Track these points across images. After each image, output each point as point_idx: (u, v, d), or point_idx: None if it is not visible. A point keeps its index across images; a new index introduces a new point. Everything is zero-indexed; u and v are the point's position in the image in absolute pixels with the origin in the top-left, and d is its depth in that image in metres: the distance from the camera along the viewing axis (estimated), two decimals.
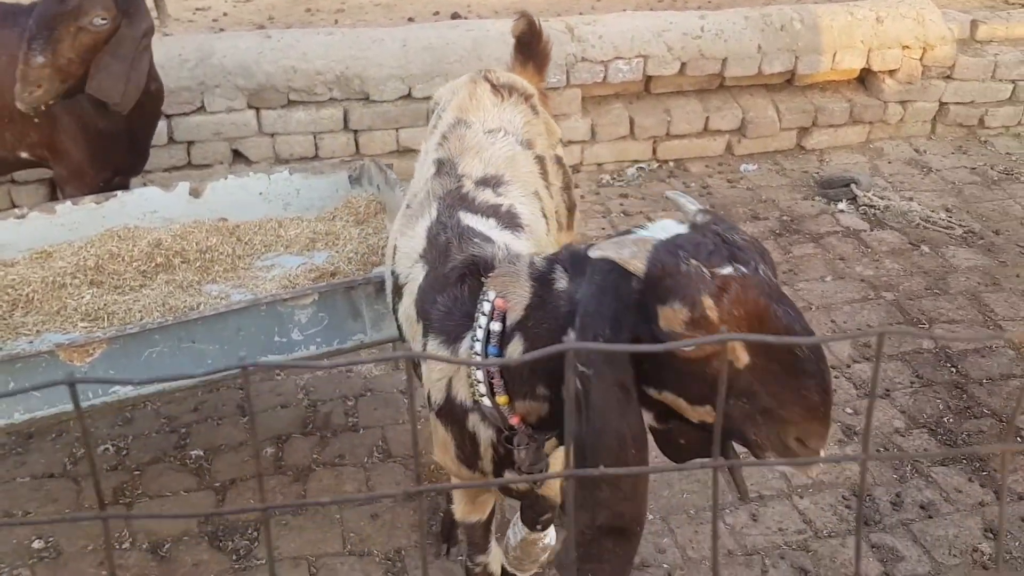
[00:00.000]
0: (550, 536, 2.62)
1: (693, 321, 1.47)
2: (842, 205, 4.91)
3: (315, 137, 5.03)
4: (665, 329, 1.51)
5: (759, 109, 5.44)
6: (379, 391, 3.73)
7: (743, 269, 1.49)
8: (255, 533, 3.09)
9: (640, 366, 1.60)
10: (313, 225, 3.53)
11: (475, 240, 2.07)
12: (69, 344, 2.51)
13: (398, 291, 2.24)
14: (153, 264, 3.28)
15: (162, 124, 4.86)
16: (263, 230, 3.49)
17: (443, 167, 2.35)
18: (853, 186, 4.94)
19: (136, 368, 2.65)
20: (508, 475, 2.03)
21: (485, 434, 1.99)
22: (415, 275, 2.12)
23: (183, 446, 3.45)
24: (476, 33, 5.06)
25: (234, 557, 3.00)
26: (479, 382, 1.87)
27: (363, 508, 3.17)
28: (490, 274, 1.90)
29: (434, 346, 1.99)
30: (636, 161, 5.46)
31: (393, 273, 2.30)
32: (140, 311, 2.90)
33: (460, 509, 2.42)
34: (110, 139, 3.71)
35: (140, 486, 3.28)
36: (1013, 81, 5.58)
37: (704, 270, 1.48)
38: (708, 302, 1.46)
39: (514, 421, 1.88)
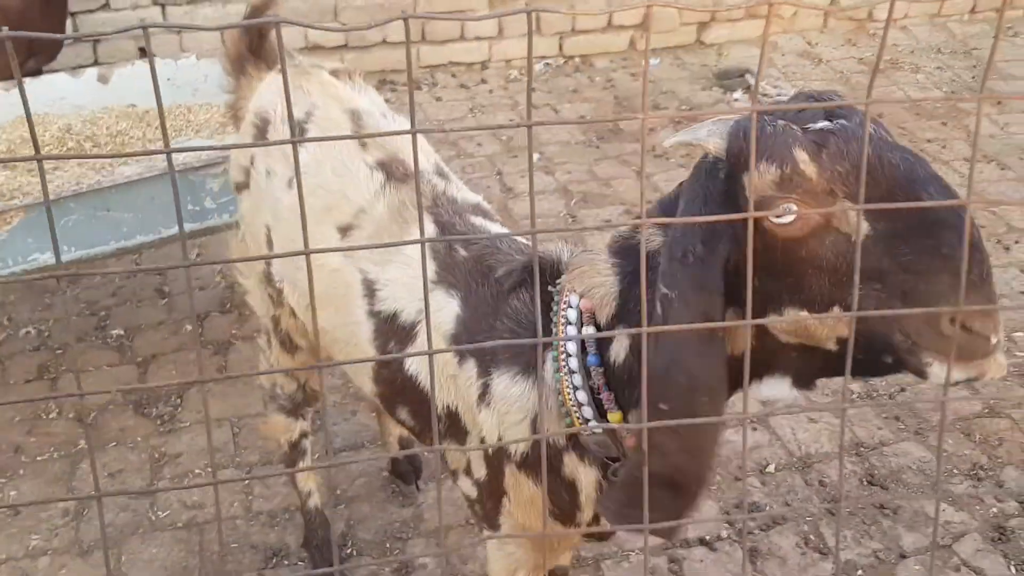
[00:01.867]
0: None
1: (785, 180, 1.20)
2: (737, 94, 5.14)
3: (222, 34, 5.04)
4: (755, 201, 1.21)
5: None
6: None
7: (843, 122, 1.22)
8: (178, 400, 3.24)
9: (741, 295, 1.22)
10: (221, 110, 3.61)
11: (503, 244, 1.77)
12: None
13: (401, 336, 1.81)
14: (65, 148, 3.35)
15: (67, 22, 4.83)
16: (172, 115, 3.57)
17: (392, 170, 1.98)
18: (747, 76, 5.17)
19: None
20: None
21: (587, 477, 1.61)
22: (440, 307, 1.73)
23: (103, 327, 3.57)
24: None
25: (158, 422, 3.16)
26: (582, 404, 1.50)
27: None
28: (563, 276, 1.56)
29: (506, 385, 1.63)
30: (543, 57, 5.60)
31: (378, 314, 1.86)
32: (55, 190, 2.99)
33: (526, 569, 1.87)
34: (23, 16, 3.72)
35: (64, 363, 3.40)
36: None
37: (794, 127, 1.23)
38: (802, 155, 1.20)
39: (630, 444, 1.48)
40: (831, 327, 1.25)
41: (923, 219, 1.17)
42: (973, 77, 5.43)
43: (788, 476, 2.99)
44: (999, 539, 2.79)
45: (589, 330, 1.49)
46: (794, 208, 1.20)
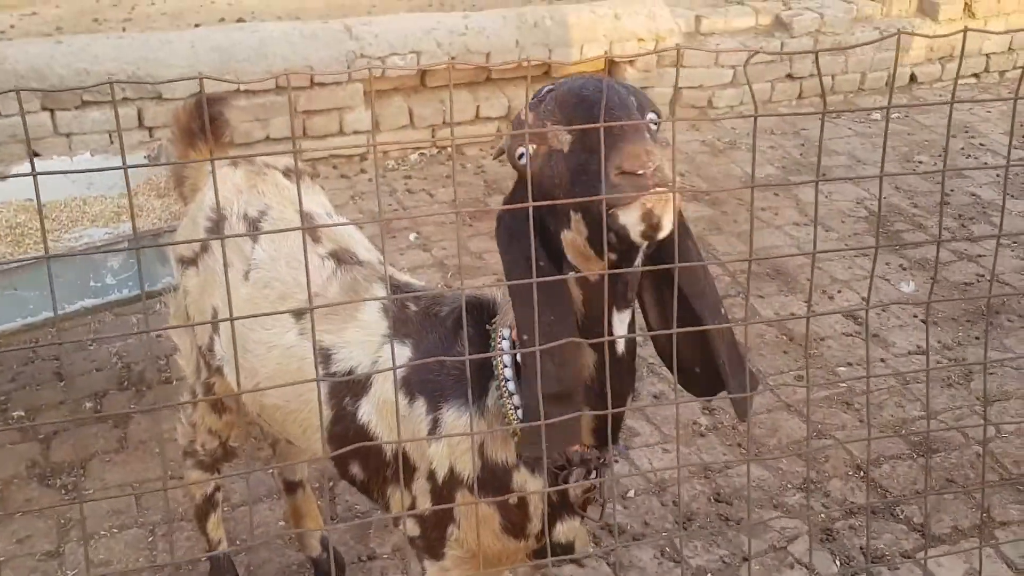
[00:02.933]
0: None
1: (520, 135, 1.53)
2: None
3: (110, 136, 5.33)
4: (518, 159, 1.55)
5: (522, 97, 6.14)
6: None
7: (565, 83, 1.54)
8: (81, 471, 3.43)
9: (548, 235, 1.61)
10: (116, 200, 3.89)
11: (444, 298, 2.04)
12: None
13: (356, 388, 2.03)
14: None
15: None
16: (69, 207, 3.83)
17: (343, 257, 2.24)
18: None
19: None
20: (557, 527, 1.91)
21: (535, 487, 1.83)
22: (394, 354, 1.85)
23: (4, 409, 3.73)
24: (261, 34, 5.51)
25: (63, 492, 3.34)
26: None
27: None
28: (497, 315, 1.84)
29: (455, 416, 1.85)
30: (418, 147, 6.04)
31: (334, 375, 2.06)
32: None
33: None
34: None
35: None
36: (732, 67, 6.54)
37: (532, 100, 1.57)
38: (526, 113, 1.55)
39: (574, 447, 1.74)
40: (581, 232, 1.54)
41: (580, 101, 1.50)
42: (801, 154, 6.10)
43: (646, 499, 3.37)
44: (826, 539, 3.21)
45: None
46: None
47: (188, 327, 2.49)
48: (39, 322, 3.09)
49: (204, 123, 2.53)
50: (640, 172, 1.41)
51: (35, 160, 3.90)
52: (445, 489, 1.91)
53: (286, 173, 2.46)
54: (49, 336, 4.11)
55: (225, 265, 1.49)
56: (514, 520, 1.89)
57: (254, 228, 2.30)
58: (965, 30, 1.50)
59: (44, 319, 3.08)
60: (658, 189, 1.42)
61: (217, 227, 2.32)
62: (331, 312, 2.09)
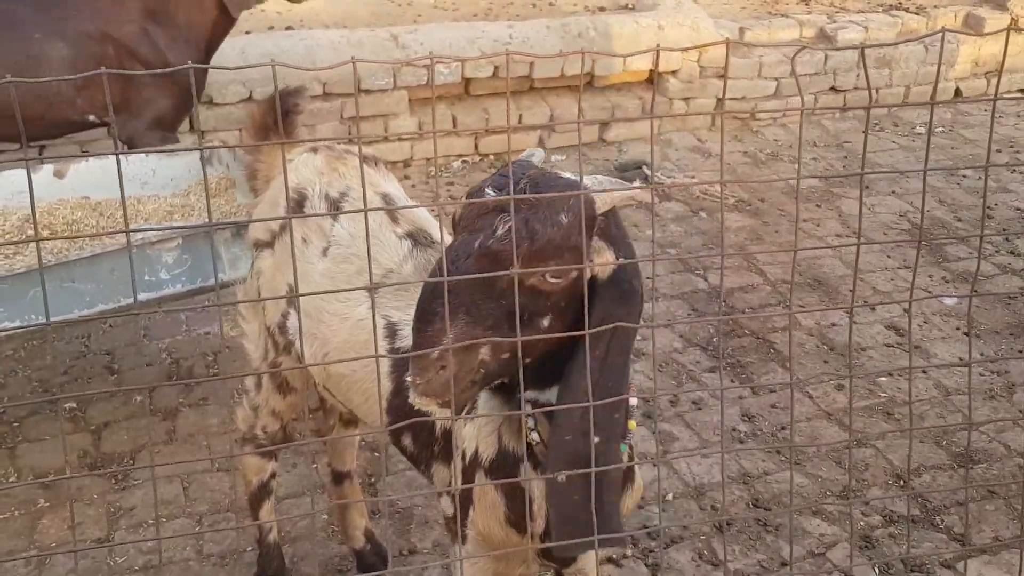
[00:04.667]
0: None
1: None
2: (636, 183, 5.70)
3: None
4: None
5: (564, 107, 6.20)
6: (236, 347, 4.19)
7: (488, 191, 1.63)
8: (130, 461, 3.52)
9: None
10: (169, 200, 3.98)
11: None
12: None
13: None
14: (25, 236, 3.67)
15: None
16: (121, 208, 3.93)
17: (419, 238, 2.32)
18: (644, 167, 5.74)
19: (22, 307, 3.08)
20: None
21: (539, 487, 1.85)
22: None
23: (57, 401, 3.83)
24: (309, 42, 5.61)
25: (113, 481, 3.43)
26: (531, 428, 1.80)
27: (228, 435, 3.64)
28: None
29: (486, 397, 1.88)
30: (460, 155, 6.11)
31: (398, 350, 2.14)
32: (26, 266, 3.30)
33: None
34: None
35: (20, 434, 3.65)
36: (776, 79, 6.54)
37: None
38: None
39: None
40: None
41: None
42: (844, 166, 6.09)
43: (684, 503, 3.39)
44: (866, 547, 3.21)
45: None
46: None
47: (257, 305, 2.58)
48: (94, 314, 3.17)
49: (278, 115, 2.65)
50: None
51: (91, 158, 4.01)
52: (470, 469, 1.97)
53: (365, 159, 2.55)
54: (102, 331, 4.22)
55: (292, 241, 1.56)
56: (517, 512, 1.92)
57: (335, 208, 2.38)
58: (1008, 28, 1.52)
59: (100, 311, 3.17)
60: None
61: (300, 206, 2.41)
62: (402, 288, 2.15)
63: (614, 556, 3.14)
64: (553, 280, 1.57)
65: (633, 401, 1.86)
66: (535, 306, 1.60)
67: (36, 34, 3.97)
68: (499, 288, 1.57)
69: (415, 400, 1.57)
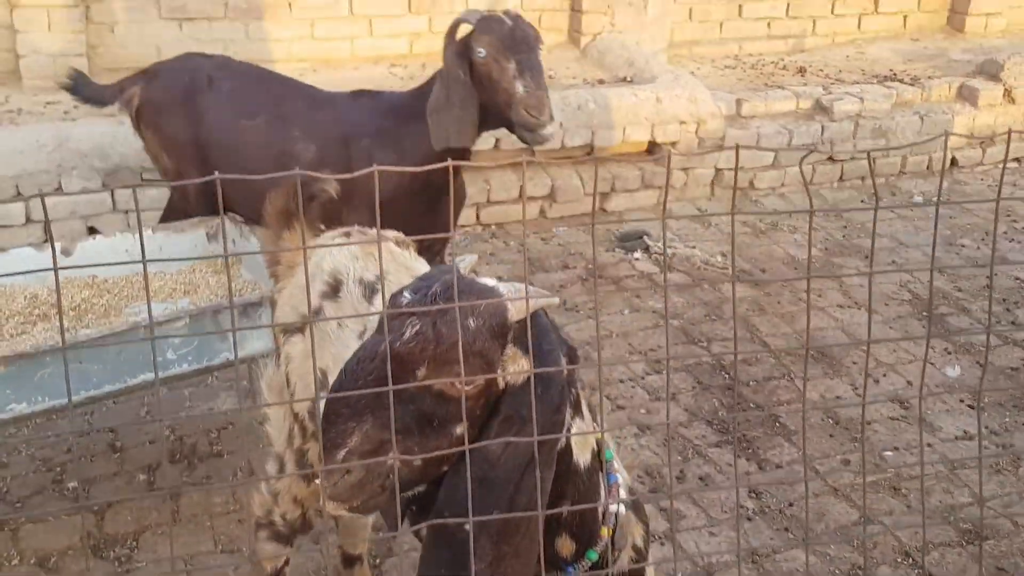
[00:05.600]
0: None
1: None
2: (637, 254, 5.74)
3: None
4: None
5: (565, 178, 6.27)
6: (240, 425, 4.19)
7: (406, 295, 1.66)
8: (134, 543, 3.49)
9: None
10: (175, 277, 4.02)
11: None
12: None
13: None
14: (32, 315, 3.69)
15: (19, 206, 5.24)
16: (129, 283, 3.95)
17: None
18: (646, 238, 5.79)
19: (28, 389, 3.08)
20: None
21: None
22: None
23: (60, 480, 3.81)
24: None
25: (116, 564, 3.40)
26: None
27: (231, 515, 3.62)
28: None
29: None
30: (462, 226, 6.16)
31: None
32: (30, 348, 3.32)
33: None
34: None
35: (23, 515, 3.62)
36: (774, 149, 6.61)
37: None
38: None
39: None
40: None
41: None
42: (844, 236, 6.14)
43: None
44: None
45: None
46: None
47: (284, 390, 2.58)
48: (101, 395, 3.17)
49: (299, 205, 2.67)
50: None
51: (98, 236, 4.05)
52: None
53: (397, 243, 2.56)
54: (105, 408, 4.21)
55: (311, 334, 1.57)
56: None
57: (371, 291, 2.40)
58: (1009, 133, 1.56)
59: (106, 392, 3.17)
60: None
61: (334, 291, 2.43)
62: None
63: None
64: (461, 386, 1.54)
65: (622, 492, 1.85)
66: (445, 412, 1.56)
67: (296, 132, 4.04)
68: (406, 396, 1.54)
69: (325, 505, 1.56)
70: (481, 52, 3.67)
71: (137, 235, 4.08)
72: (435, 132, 3.78)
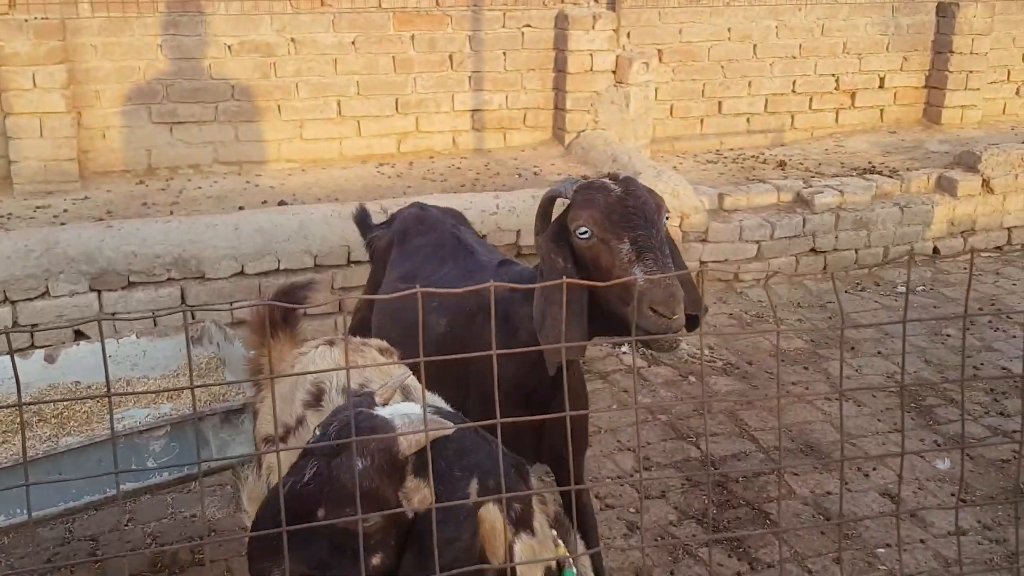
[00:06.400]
0: None
1: None
2: (624, 348, 5.75)
3: (154, 318, 5.51)
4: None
5: None
6: (223, 531, 4.12)
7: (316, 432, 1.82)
8: None
9: None
10: (159, 383, 4.00)
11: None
12: None
13: None
14: (14, 423, 3.66)
15: (6, 310, 5.25)
16: (113, 388, 3.94)
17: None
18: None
19: (7, 501, 3.04)
20: None
21: None
22: None
23: None
24: (302, 216, 5.76)
25: None
26: None
27: None
28: None
29: None
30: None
31: None
32: (10, 458, 3.28)
33: None
34: None
35: None
36: (757, 242, 6.71)
37: None
38: None
39: None
40: None
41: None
42: (828, 327, 6.17)
43: None
44: None
45: None
46: None
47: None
48: (80, 506, 3.14)
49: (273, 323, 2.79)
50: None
51: (82, 343, 4.04)
52: None
53: (381, 351, 2.63)
54: (86, 516, 4.15)
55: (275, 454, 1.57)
56: None
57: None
58: (972, 252, 1.58)
59: (86, 503, 3.13)
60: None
61: (316, 399, 2.45)
62: None
63: None
64: (364, 523, 1.60)
65: None
66: (356, 545, 1.59)
67: (435, 302, 3.41)
68: (316, 531, 1.62)
69: None
70: (584, 232, 2.75)
71: (121, 340, 4.09)
72: (547, 352, 2.86)
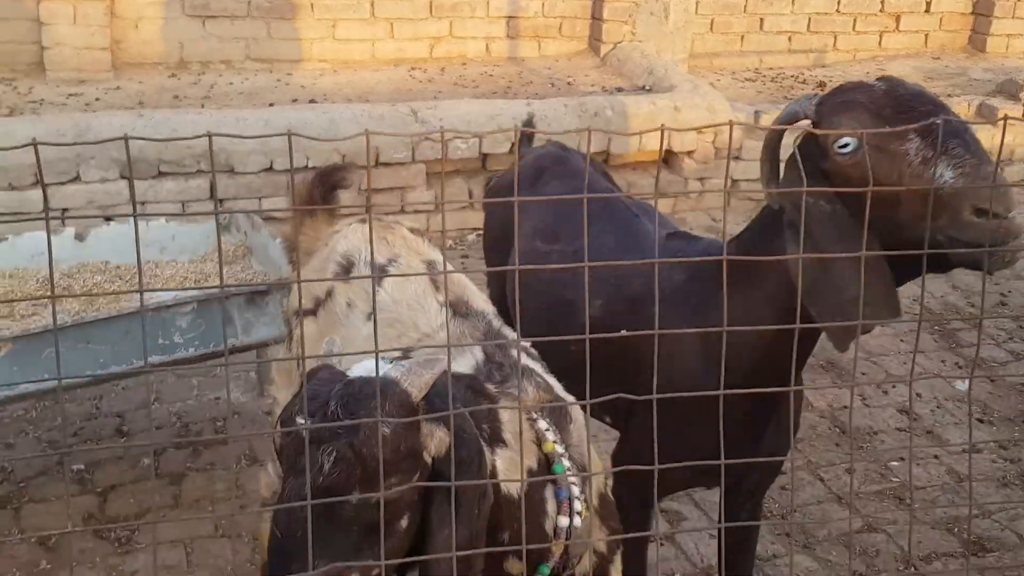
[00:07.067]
0: None
1: None
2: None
3: (183, 206, 5.55)
4: None
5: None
6: (246, 413, 4.21)
7: (298, 420, 1.61)
8: (134, 523, 3.51)
9: None
10: (186, 267, 4.05)
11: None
12: None
13: None
14: (43, 300, 3.72)
15: (37, 193, 5.29)
16: (142, 270, 3.99)
17: (458, 307, 2.29)
18: None
19: (36, 367, 3.11)
20: None
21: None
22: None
23: (64, 463, 3.84)
24: (331, 115, 5.74)
25: (116, 544, 3.42)
26: None
27: (234, 501, 3.64)
28: None
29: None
30: (475, 229, 6.17)
31: None
32: (42, 326, 3.34)
33: None
34: None
35: (26, 495, 3.65)
36: None
37: None
38: None
39: None
40: None
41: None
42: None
43: None
44: None
45: None
46: None
47: (292, 373, 2.62)
48: (107, 375, 3.20)
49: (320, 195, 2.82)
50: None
51: (112, 222, 4.09)
52: None
53: (412, 230, 2.62)
54: (113, 393, 4.25)
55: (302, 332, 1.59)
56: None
57: (382, 274, 2.42)
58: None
59: (112, 372, 3.20)
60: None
61: (346, 272, 2.48)
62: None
63: None
64: (397, 489, 1.54)
65: (578, 504, 1.88)
66: (389, 514, 1.55)
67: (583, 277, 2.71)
68: (346, 516, 1.54)
69: None
70: (845, 146, 2.06)
71: (151, 222, 4.12)
72: (835, 330, 2.16)
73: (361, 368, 1.65)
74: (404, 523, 1.59)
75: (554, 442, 1.91)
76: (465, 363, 2.12)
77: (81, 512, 3.56)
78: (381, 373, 1.59)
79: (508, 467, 1.78)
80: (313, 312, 2.59)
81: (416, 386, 1.59)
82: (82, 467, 3.81)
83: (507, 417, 1.83)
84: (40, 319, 3.58)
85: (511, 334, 2.31)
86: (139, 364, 3.19)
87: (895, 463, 4.02)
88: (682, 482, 2.72)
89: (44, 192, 1.33)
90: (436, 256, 2.56)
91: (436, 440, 1.60)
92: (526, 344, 2.27)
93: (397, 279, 2.38)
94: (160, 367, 3.31)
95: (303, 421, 1.53)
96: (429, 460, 1.60)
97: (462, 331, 2.27)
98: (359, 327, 2.41)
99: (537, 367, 2.19)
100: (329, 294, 2.54)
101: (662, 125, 1.55)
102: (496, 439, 1.79)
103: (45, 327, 3.07)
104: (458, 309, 2.34)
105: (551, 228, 2.86)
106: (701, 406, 1.95)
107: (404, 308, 2.35)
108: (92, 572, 3.28)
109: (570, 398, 2.11)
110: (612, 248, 2.68)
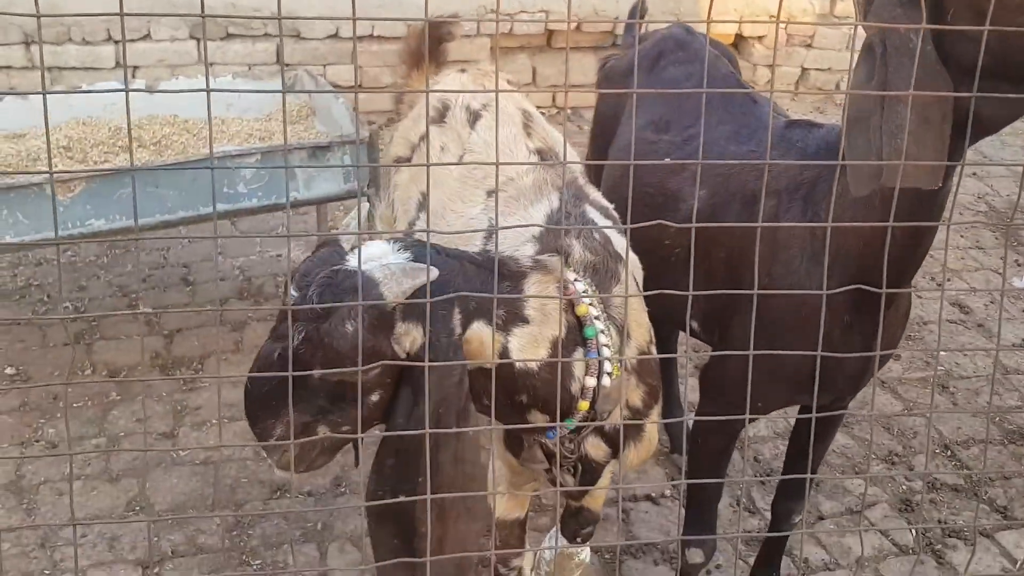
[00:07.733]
0: (586, 552, 2.67)
1: None
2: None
3: (250, 68, 5.61)
4: None
5: None
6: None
7: (292, 293, 1.73)
8: (200, 365, 3.69)
9: None
10: (251, 124, 4.12)
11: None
12: (56, 178, 3.08)
13: None
14: (115, 146, 3.85)
15: (110, 48, 5.40)
16: (207, 126, 4.08)
17: (546, 156, 2.34)
18: None
19: (108, 206, 3.24)
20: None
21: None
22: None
23: (134, 306, 4.02)
24: None
25: (181, 382, 3.60)
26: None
27: None
28: None
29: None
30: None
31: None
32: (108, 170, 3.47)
33: (501, 505, 2.40)
34: None
35: (98, 332, 3.85)
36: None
37: None
38: None
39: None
40: None
41: None
42: None
43: None
44: (904, 509, 3.23)
45: None
46: None
47: (388, 217, 2.71)
48: (175, 220, 3.33)
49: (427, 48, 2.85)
50: None
51: (181, 77, 4.17)
52: None
53: (509, 81, 2.68)
54: (180, 246, 4.41)
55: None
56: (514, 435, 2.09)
57: (475, 117, 2.46)
58: None
59: (180, 217, 3.32)
60: None
61: (441, 115, 2.52)
62: (515, 198, 2.23)
63: (652, 494, 3.22)
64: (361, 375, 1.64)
65: (608, 366, 1.94)
66: (354, 390, 1.64)
67: (692, 169, 2.55)
68: (311, 386, 1.68)
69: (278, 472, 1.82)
70: None
71: (217, 79, 4.20)
72: (855, 170, 1.87)
73: (365, 252, 1.71)
74: (375, 398, 1.73)
75: (589, 304, 1.93)
76: (541, 209, 2.18)
77: (149, 351, 3.75)
78: (372, 266, 1.68)
79: (526, 344, 1.84)
80: (408, 158, 2.65)
81: (393, 292, 1.66)
82: (150, 310, 3.99)
83: (533, 286, 1.87)
84: (111, 166, 3.70)
85: (593, 192, 2.33)
86: (205, 211, 3.31)
87: (943, 353, 4.03)
88: (779, 399, 2.52)
89: (123, 49, 1.38)
90: (531, 108, 2.56)
91: (410, 339, 1.70)
92: (607, 205, 2.31)
93: (490, 122, 2.39)
94: (225, 216, 3.42)
95: (295, 294, 1.68)
96: (404, 355, 1.71)
97: (544, 178, 2.29)
98: (451, 170, 2.44)
99: (600, 220, 2.19)
100: (422, 139, 2.57)
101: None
102: (514, 319, 1.84)
103: (117, 168, 3.18)
104: (544, 157, 2.37)
105: (665, 118, 2.69)
106: (801, 313, 1.94)
107: (494, 152, 2.38)
108: (159, 405, 3.48)
109: (631, 257, 2.14)
110: (726, 138, 2.52)
